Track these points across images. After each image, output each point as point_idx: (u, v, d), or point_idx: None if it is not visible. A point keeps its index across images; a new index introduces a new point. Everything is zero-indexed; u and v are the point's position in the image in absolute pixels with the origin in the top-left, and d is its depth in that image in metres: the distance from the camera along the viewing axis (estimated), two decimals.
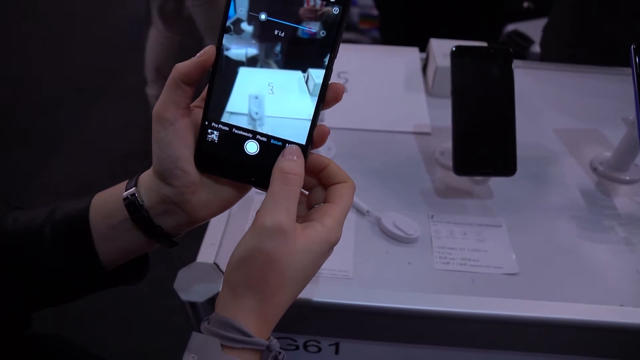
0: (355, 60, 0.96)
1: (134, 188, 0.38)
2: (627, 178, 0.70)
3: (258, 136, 0.36)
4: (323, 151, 0.67)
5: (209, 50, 0.35)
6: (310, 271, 0.36)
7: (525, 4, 1.84)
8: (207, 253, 0.58)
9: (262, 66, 0.35)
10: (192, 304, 0.54)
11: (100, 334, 1.43)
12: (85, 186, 1.88)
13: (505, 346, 0.58)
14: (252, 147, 0.37)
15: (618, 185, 0.70)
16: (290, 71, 0.35)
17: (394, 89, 0.90)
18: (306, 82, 0.35)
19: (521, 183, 0.69)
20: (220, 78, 0.36)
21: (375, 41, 2.82)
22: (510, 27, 1.72)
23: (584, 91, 0.91)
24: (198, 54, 0.35)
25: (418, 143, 0.78)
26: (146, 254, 0.44)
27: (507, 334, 0.56)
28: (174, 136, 0.36)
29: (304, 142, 0.36)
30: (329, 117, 0.68)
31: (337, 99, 0.36)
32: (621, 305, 0.54)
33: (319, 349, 0.61)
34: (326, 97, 0.36)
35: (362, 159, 0.74)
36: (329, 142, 0.75)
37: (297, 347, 0.61)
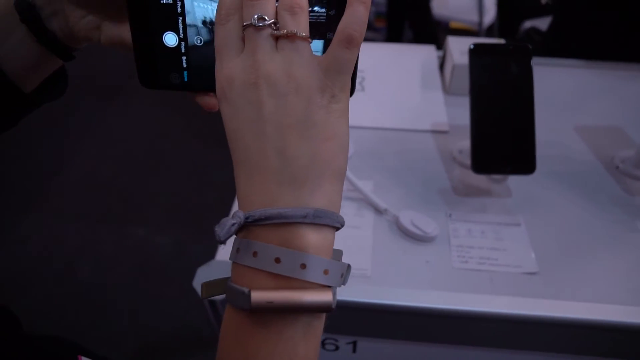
0: (372, 59, 0.96)
1: None
2: None
3: None
4: None
5: None
6: (230, 134, 0.32)
7: (544, 1, 1.81)
8: (226, 250, 0.59)
9: None
10: (212, 302, 0.55)
11: (120, 332, 1.45)
12: (105, 183, 1.91)
13: (525, 346, 0.57)
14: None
15: None
16: None
17: (411, 88, 0.90)
18: None
19: (540, 181, 0.69)
20: None
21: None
22: (528, 24, 1.70)
23: (606, 88, 0.90)
24: None
25: (436, 141, 0.77)
26: (63, 71, 0.44)
27: (526, 333, 0.55)
28: None
29: None
30: None
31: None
32: None
33: (337, 347, 0.61)
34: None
35: (380, 158, 0.74)
36: None
37: None
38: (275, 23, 0.30)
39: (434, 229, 0.61)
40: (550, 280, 0.57)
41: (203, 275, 0.55)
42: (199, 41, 0.37)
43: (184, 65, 0.38)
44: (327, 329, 0.58)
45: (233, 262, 0.31)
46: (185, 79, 0.38)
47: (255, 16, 0.29)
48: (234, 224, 0.28)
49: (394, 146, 0.76)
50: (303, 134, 0.29)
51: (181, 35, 0.37)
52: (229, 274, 0.32)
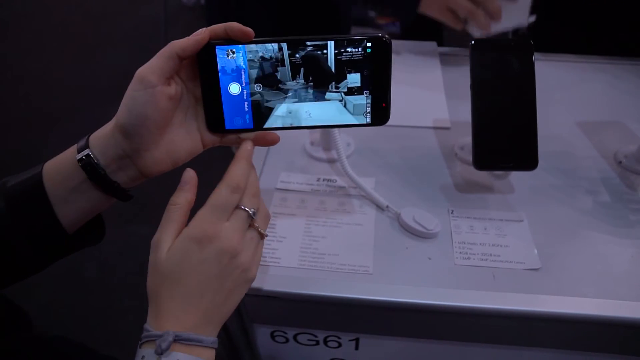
0: None
1: (87, 149, 0.40)
2: None
3: None
4: (342, 146, 0.67)
5: (203, 32, 0.40)
6: (185, 270, 0.39)
7: None
8: None
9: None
10: None
11: (125, 330, 1.46)
12: None
13: (527, 342, 0.57)
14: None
15: None
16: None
17: (413, 84, 0.90)
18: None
19: (543, 177, 0.69)
20: None
21: (392, 36, 2.80)
22: (530, 19, 1.69)
23: (608, 83, 0.89)
24: (193, 34, 0.40)
25: (437, 138, 0.77)
26: (99, 214, 0.46)
27: (529, 330, 0.55)
28: (151, 98, 0.39)
29: None
30: None
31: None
32: None
33: (339, 345, 0.61)
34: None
35: (381, 154, 0.74)
36: (347, 137, 0.75)
37: (318, 342, 0.62)
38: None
39: (436, 226, 0.61)
40: (553, 276, 0.56)
41: None
42: (258, 88, 0.43)
43: (246, 109, 0.44)
44: (329, 327, 0.59)
45: None
46: (247, 121, 0.45)
47: (253, 210, 0.42)
48: (170, 341, 0.37)
49: (395, 143, 0.76)
50: (234, 296, 0.41)
51: (243, 85, 0.43)
52: None
